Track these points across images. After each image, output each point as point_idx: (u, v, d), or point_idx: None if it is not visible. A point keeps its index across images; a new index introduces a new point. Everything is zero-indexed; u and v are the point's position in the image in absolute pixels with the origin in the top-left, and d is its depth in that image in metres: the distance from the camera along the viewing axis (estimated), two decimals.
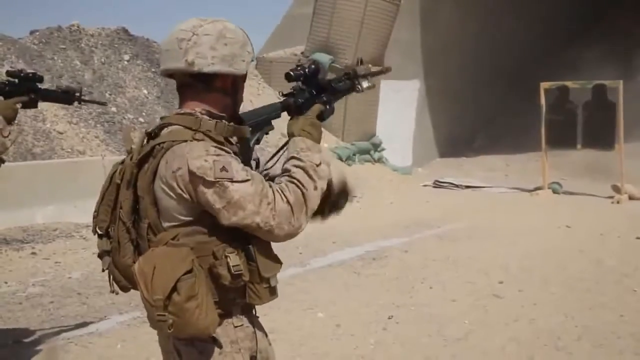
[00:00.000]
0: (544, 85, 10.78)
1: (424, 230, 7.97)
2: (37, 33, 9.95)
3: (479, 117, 16.56)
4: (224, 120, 1.83)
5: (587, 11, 18.97)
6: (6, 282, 5.61)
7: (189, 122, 1.81)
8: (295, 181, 1.81)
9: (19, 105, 3.33)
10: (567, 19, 18.41)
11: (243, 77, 1.93)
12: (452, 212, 9.06)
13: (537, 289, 5.50)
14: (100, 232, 1.92)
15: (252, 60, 1.93)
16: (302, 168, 1.83)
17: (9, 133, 3.21)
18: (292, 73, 2.01)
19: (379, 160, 12.65)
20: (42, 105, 9.20)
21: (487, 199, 10.46)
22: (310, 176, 1.83)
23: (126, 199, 1.84)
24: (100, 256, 1.93)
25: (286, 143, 1.94)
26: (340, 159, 11.63)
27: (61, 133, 8.36)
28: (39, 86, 3.47)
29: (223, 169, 1.72)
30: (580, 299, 5.21)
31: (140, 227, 1.84)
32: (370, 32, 12.60)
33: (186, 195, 1.75)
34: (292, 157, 1.86)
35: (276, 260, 1.85)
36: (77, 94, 3.61)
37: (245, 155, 1.88)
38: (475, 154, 15.60)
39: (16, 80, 3.38)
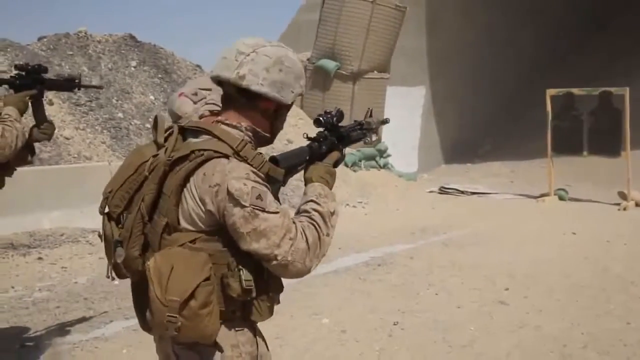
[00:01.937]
0: (550, 92, 10.77)
1: (429, 237, 7.96)
2: (45, 39, 10.01)
3: (485, 124, 16.54)
4: (262, 154, 1.84)
5: (593, 17, 18.96)
6: (13, 287, 5.63)
7: (232, 139, 1.81)
8: (315, 224, 1.85)
9: (29, 98, 3.43)
10: (573, 25, 18.39)
11: (287, 107, 1.95)
12: (458, 219, 9.05)
13: (542, 295, 5.49)
14: (112, 216, 1.90)
15: (300, 95, 1.97)
16: (320, 213, 1.87)
17: (24, 126, 3.32)
18: (322, 119, 2.09)
19: (385, 166, 12.65)
20: (49, 111, 9.24)
21: (493, 205, 10.44)
22: (325, 222, 1.87)
23: (150, 193, 1.84)
24: (107, 242, 1.91)
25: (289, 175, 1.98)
26: (346, 165, 11.63)
27: (68, 139, 8.40)
28: (44, 77, 3.59)
29: (259, 197, 1.75)
30: (586, 306, 5.19)
31: (156, 222, 1.84)
32: (376, 38, 12.61)
33: (215, 211, 1.76)
34: (311, 200, 1.89)
35: (280, 284, 1.89)
36: (77, 81, 3.76)
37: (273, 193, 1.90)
38: (480, 160, 15.58)
39: (23, 74, 3.48)
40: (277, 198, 1.87)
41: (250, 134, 1.88)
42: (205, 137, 1.84)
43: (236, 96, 1.88)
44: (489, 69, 16.17)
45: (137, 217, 1.85)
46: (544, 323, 4.80)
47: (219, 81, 1.91)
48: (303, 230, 1.81)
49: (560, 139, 10.66)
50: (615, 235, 7.74)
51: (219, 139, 1.81)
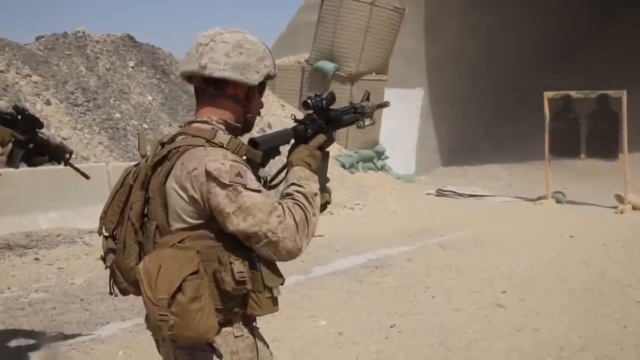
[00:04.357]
0: (548, 94, 10.78)
1: (427, 239, 7.96)
2: (43, 39, 10.00)
3: (483, 126, 16.57)
4: (238, 138, 1.87)
5: (591, 20, 18.99)
6: (9, 288, 5.61)
7: (203, 132, 1.85)
8: (300, 204, 1.85)
9: (13, 136, 3.41)
10: (572, 29, 18.42)
11: (258, 88, 1.96)
12: (455, 221, 9.05)
13: (540, 298, 5.49)
14: (106, 234, 1.95)
15: (273, 76, 1.97)
16: (304, 194, 1.87)
17: (2, 152, 3.35)
18: (310, 102, 2.06)
19: (382, 168, 12.65)
20: (47, 110, 9.16)
21: (491, 207, 10.45)
22: (310, 203, 1.87)
23: (137, 200, 1.87)
24: (104, 254, 1.95)
25: (285, 165, 1.98)
26: (344, 166, 11.63)
27: (65, 139, 8.37)
28: (37, 131, 3.56)
29: (238, 174, 1.76)
30: (584, 309, 5.19)
31: (147, 228, 1.86)
32: (374, 40, 12.63)
33: (198, 197, 1.77)
34: (293, 184, 1.90)
35: (278, 274, 1.86)
36: (67, 156, 3.70)
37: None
38: (478, 163, 15.59)
39: (19, 117, 3.49)
40: (258, 179, 1.88)
41: (222, 126, 1.90)
42: (179, 138, 1.88)
43: (204, 87, 1.91)
44: (487, 72, 16.18)
45: (128, 226, 1.88)
46: (542, 326, 4.80)
47: (188, 77, 1.95)
48: (289, 209, 1.82)
49: (558, 141, 10.67)
50: (613, 239, 7.75)
51: (193, 135, 1.86)
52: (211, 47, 1.87)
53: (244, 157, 1.85)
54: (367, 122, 2.23)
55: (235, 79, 1.88)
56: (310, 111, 2.06)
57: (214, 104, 1.92)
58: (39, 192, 7.05)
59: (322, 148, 2.01)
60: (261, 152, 1.90)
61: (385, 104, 2.37)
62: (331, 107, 2.09)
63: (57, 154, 3.69)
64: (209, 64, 1.86)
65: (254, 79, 1.91)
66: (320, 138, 2.01)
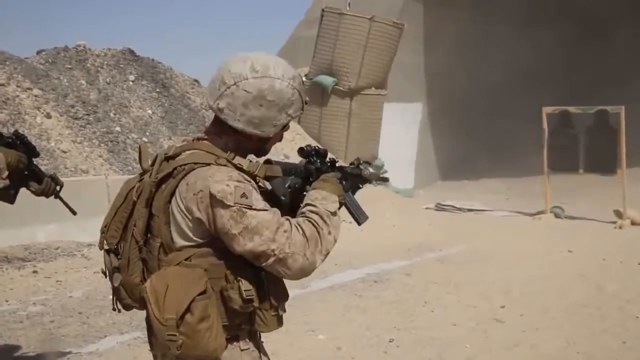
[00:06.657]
0: (546, 109, 10.81)
1: (425, 253, 7.95)
2: (44, 53, 10.05)
3: (481, 140, 16.60)
4: (257, 161, 1.86)
5: (591, 35, 19.10)
6: (7, 301, 5.60)
7: (215, 150, 1.84)
8: (312, 220, 1.82)
9: (20, 163, 3.47)
10: (571, 42, 18.52)
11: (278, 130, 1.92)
12: (454, 235, 9.05)
13: (538, 314, 5.48)
14: (108, 248, 1.93)
15: (298, 115, 1.94)
16: (317, 213, 1.84)
17: (6, 177, 3.39)
18: (305, 148, 2.06)
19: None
20: (47, 123, 9.18)
21: (489, 222, 10.45)
22: (324, 221, 1.83)
23: (141, 216, 1.85)
24: (108, 272, 1.94)
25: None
26: None
27: (65, 152, 8.40)
28: (33, 160, 3.62)
29: (243, 195, 1.73)
30: (582, 324, 5.18)
31: (151, 245, 1.84)
32: (373, 55, 12.68)
33: (204, 219, 1.76)
34: (307, 204, 1.87)
35: (284, 292, 1.87)
36: (58, 188, 3.75)
37: (277, 191, 1.91)
38: (477, 177, 15.60)
39: (18, 142, 3.53)
40: (288, 188, 1.89)
41: (231, 147, 1.88)
42: (187, 152, 1.86)
43: (221, 121, 1.88)
44: (485, 86, 16.25)
45: (132, 243, 1.86)
46: (540, 341, 4.79)
47: None
48: (298, 224, 1.79)
49: (557, 156, 10.70)
50: (611, 254, 7.74)
51: (206, 151, 1.84)
52: (232, 91, 1.81)
53: (265, 175, 1.85)
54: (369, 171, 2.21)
55: (248, 132, 1.85)
56: (305, 159, 2.06)
57: (225, 131, 1.88)
58: (37, 204, 7.01)
59: (337, 184, 1.97)
60: (280, 167, 1.89)
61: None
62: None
63: (48, 187, 3.73)
64: (226, 110, 1.82)
65: (269, 131, 1.87)
66: (333, 174, 1.99)
